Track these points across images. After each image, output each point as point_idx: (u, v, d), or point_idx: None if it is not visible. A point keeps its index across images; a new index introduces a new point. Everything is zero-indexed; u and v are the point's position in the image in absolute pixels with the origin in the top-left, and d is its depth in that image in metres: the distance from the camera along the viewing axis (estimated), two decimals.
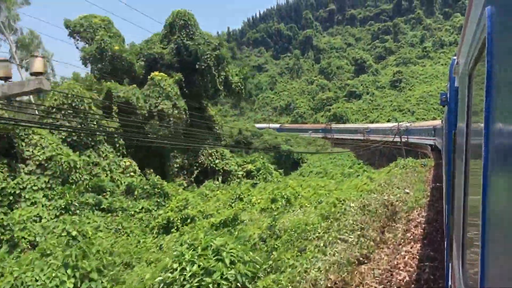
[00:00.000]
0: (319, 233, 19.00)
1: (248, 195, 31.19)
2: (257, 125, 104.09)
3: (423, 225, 17.10)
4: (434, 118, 76.51)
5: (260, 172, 42.05)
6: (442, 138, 18.69)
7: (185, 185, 40.63)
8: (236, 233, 23.01)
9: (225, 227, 24.91)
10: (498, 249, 1.51)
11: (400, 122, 66.24)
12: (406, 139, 56.20)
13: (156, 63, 42.30)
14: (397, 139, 55.64)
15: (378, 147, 69.75)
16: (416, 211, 19.89)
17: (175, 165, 40.98)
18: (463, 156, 3.44)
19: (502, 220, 1.45)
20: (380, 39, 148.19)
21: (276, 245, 19.59)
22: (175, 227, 25.91)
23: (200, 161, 42.05)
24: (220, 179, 39.90)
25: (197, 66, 41.71)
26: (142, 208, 29.19)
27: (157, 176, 33.06)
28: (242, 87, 46.79)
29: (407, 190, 24.33)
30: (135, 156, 38.11)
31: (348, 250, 16.07)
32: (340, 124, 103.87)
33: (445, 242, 7.11)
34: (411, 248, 15.40)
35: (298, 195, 31.74)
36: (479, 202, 1.91)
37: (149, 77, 39.05)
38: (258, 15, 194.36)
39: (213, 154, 42.52)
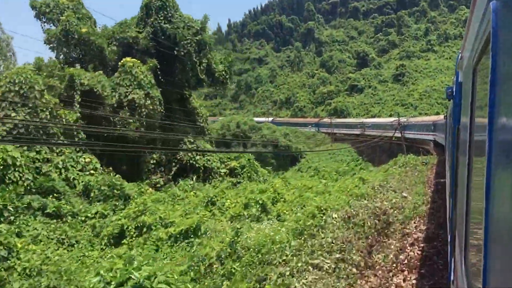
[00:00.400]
0: (286, 255, 14.65)
1: (222, 197, 26.86)
2: (255, 119, 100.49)
3: (421, 244, 13.43)
4: (437, 113, 73.29)
5: (245, 169, 37.64)
6: (446, 132, 18.01)
7: (162, 183, 36.40)
8: (195, 248, 18.77)
9: (186, 238, 20.63)
10: (501, 245, 1.49)
11: (400, 117, 62.14)
12: (403, 134, 53.37)
13: (130, 49, 37.84)
14: (398, 134, 52.94)
15: (378, 143, 65.85)
16: (414, 222, 15.77)
17: (151, 161, 36.63)
18: (466, 151, 3.38)
19: (505, 216, 1.44)
20: (383, 32, 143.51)
21: (234, 268, 15.33)
22: (129, 238, 21.62)
23: (179, 157, 37.72)
24: (194, 177, 35.40)
25: (175, 52, 37.22)
26: (97, 212, 24.84)
27: (117, 175, 28.63)
28: (226, 76, 42.17)
29: (404, 194, 20.13)
30: (104, 151, 33.92)
31: (321, 282, 12.12)
32: (336, 118, 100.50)
33: (449, 238, 7.26)
34: (404, 280, 11.46)
35: (281, 198, 27.51)
36: (482, 198, 1.88)
37: (119, 63, 34.64)
38: (259, 7, 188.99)
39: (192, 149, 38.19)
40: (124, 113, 32.66)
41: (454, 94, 7.03)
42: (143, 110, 33.40)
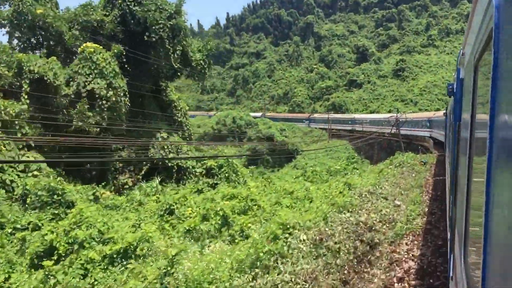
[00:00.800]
0: None
1: (184, 204, 22.38)
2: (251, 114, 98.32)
3: (413, 282, 9.81)
4: (437, 109, 71.04)
5: (223, 170, 33.14)
6: (446, 129, 17.35)
7: (131, 184, 32.15)
8: (124, 276, 14.40)
9: (124, 259, 16.25)
10: (501, 242, 1.50)
11: (395, 113, 60.55)
12: (398, 130, 52.06)
13: (95, 34, 33.26)
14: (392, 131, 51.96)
15: (377, 140, 65.57)
16: (406, 243, 12.51)
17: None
18: (467, 148, 3.43)
19: (505, 213, 1.44)
20: (384, 26, 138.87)
21: None
22: (56, 257, 17.19)
23: (150, 155, 33.34)
24: (158, 179, 30.75)
25: (146, 38, 32.61)
26: (30, 223, 20.39)
27: (58, 178, 24.08)
28: (205, 66, 37.43)
29: (397, 202, 16.69)
30: (62, 149, 29.73)
31: None
32: (319, 114, 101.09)
33: (448, 235, 7.39)
34: None
35: (254, 205, 23.15)
36: (482, 195, 1.90)
37: (79, 49, 30.12)
38: (258, 0, 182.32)
39: (166, 147, 33.74)
40: (82, 105, 28.25)
41: (454, 91, 6.92)
42: (104, 102, 28.96)
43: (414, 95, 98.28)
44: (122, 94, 30.01)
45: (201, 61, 36.56)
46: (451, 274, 4.88)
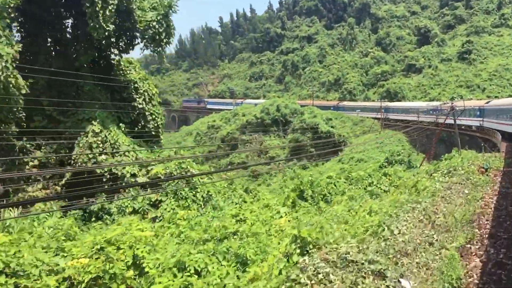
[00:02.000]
0: None
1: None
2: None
3: None
4: (510, 96, 56.76)
5: (171, 182, 21.52)
6: None
7: (44, 196, 21.41)
8: None
9: None
10: None
11: (445, 101, 53.29)
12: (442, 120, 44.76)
13: None
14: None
15: (434, 131, 54.87)
16: None
17: (30, 163, 21.76)
18: None
19: None
20: (449, 6, 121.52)
21: None
22: None
23: (74, 158, 22.51)
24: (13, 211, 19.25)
25: None
26: None
27: None
28: (161, 30, 25.51)
29: (406, 284, 6.12)
30: None
31: None
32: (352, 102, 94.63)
33: None
34: None
35: (134, 267, 11.71)
36: None
37: None
38: None
39: (95, 146, 22.65)
40: None
41: None
42: None
43: (482, 80, 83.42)
44: (6, 71, 18.98)
45: (154, 23, 24.68)
46: None
